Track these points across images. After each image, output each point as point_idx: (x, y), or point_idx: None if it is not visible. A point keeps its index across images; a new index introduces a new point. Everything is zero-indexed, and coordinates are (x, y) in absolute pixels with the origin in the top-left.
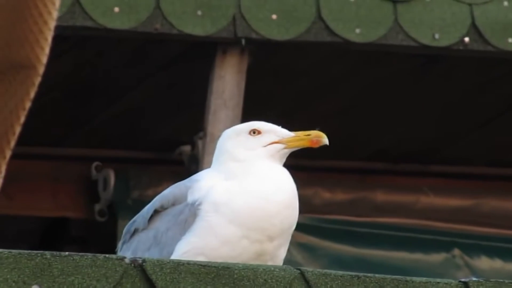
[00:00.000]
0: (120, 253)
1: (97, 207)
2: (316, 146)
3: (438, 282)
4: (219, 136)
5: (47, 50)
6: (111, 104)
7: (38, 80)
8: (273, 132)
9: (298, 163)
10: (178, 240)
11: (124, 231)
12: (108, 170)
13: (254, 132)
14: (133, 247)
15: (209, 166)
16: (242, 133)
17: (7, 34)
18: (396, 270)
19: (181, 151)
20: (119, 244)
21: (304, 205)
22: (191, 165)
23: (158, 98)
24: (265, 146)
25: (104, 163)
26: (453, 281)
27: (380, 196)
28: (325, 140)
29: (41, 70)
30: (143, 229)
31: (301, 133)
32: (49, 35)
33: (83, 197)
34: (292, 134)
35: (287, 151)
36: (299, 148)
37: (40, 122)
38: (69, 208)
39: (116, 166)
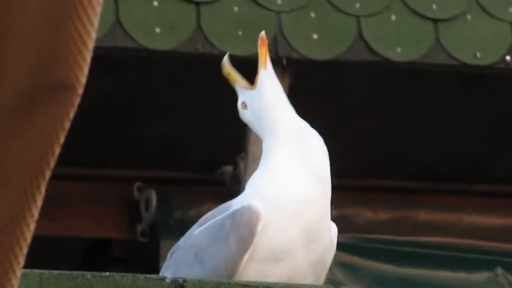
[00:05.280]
0: (161, 274)
1: (139, 227)
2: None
3: None
4: (260, 156)
5: (86, 70)
6: (152, 125)
7: (77, 100)
8: None
9: (340, 183)
10: (219, 255)
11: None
12: (150, 190)
13: None
14: (174, 266)
15: None
16: None
17: (46, 55)
18: None
19: (223, 171)
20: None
21: (346, 224)
22: (233, 185)
23: (199, 118)
24: None
25: (146, 183)
26: None
27: (423, 215)
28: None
29: (81, 90)
30: (183, 247)
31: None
32: (88, 56)
33: (125, 218)
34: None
35: None
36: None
37: (81, 143)
38: (111, 229)
39: (158, 187)
